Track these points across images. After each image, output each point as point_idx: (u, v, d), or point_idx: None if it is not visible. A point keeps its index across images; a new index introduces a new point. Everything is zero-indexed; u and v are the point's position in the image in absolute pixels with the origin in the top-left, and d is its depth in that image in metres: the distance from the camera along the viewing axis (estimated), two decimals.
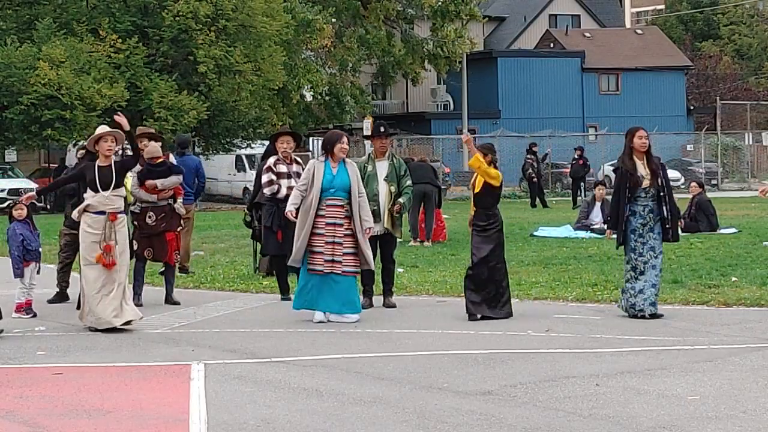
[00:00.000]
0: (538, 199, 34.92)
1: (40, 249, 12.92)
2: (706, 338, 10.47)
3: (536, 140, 41.42)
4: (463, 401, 7.86)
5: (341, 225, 11.85)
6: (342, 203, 11.87)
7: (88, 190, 11.62)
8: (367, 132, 46.00)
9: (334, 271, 11.81)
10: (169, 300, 13.43)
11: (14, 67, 37.07)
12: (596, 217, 22.56)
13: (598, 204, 22.66)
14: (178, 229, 13.54)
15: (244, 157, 44.44)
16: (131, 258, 13.61)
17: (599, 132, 55.14)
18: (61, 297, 13.76)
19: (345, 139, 12.07)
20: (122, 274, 11.63)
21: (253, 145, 43.22)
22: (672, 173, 48.30)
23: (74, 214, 11.93)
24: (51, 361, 9.82)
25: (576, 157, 37.77)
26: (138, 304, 13.52)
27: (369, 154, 13.14)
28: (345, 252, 11.85)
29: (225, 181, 42.72)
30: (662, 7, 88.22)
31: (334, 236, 11.82)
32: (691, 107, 64.25)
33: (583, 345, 10.16)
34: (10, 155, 45.32)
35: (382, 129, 13.14)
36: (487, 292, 11.88)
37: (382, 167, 12.98)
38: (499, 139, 48.56)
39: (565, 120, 56.14)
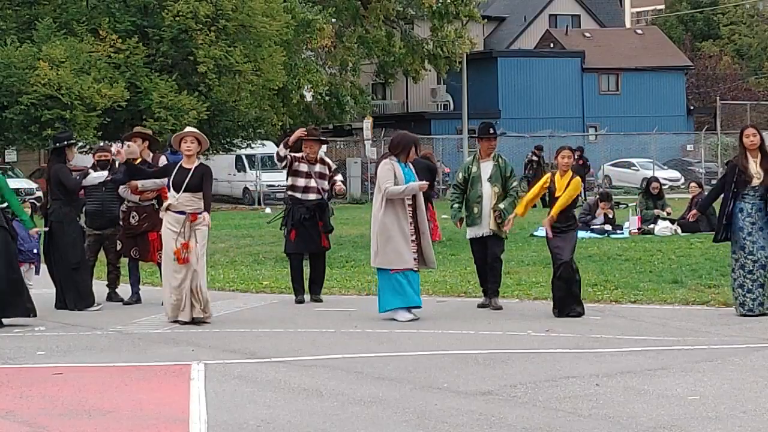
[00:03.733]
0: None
1: (37, 251, 12.90)
2: (706, 338, 10.46)
3: (536, 140, 41.40)
4: (463, 401, 7.86)
5: (411, 223, 12.02)
6: (410, 202, 12.06)
7: (170, 189, 12.00)
8: (367, 132, 46.09)
9: (413, 267, 11.96)
10: None
11: (14, 67, 37.02)
12: (597, 221, 22.50)
13: (600, 209, 22.67)
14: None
15: (244, 157, 44.40)
16: (118, 257, 13.75)
17: (599, 132, 55.13)
18: None
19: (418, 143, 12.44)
20: (199, 275, 11.90)
21: (253, 145, 43.18)
22: (672, 173, 48.43)
23: (161, 213, 12.28)
24: (51, 361, 9.82)
25: (576, 157, 37.72)
26: (136, 301, 13.59)
27: (474, 155, 12.97)
28: (414, 249, 12.01)
29: (225, 182, 42.70)
30: (662, 7, 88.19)
31: (410, 234, 12.01)
32: (691, 107, 64.20)
33: (583, 345, 10.16)
34: (10, 155, 45.29)
35: (491, 131, 12.94)
36: (576, 288, 11.96)
37: (487, 168, 12.78)
38: (499, 139, 48.48)
39: (565, 120, 56.09)
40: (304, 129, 13.75)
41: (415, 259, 11.92)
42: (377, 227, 11.94)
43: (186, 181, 11.84)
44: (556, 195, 12.06)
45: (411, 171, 12.18)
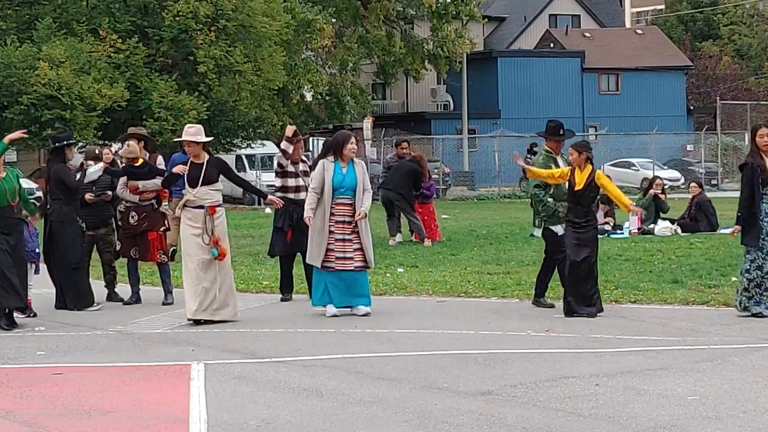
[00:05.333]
0: None
1: (38, 250, 12.92)
2: (706, 338, 10.46)
3: (536, 140, 41.39)
4: (463, 401, 7.86)
5: (350, 223, 12.12)
6: (351, 202, 12.15)
7: (186, 186, 12.03)
8: (367, 132, 46.01)
9: (346, 267, 12.07)
10: (165, 301, 13.38)
11: (14, 67, 37.01)
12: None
13: (600, 210, 22.64)
14: (162, 229, 13.57)
15: (244, 157, 44.44)
16: (116, 258, 13.74)
17: (599, 132, 55.13)
18: None
19: (353, 140, 12.33)
20: (224, 270, 11.90)
21: (253, 145, 43.20)
22: (672, 173, 48.41)
23: (176, 211, 12.26)
24: (51, 361, 9.82)
25: None
26: (136, 301, 13.59)
27: (546, 154, 12.56)
28: (355, 248, 12.11)
29: (225, 181, 42.74)
30: (662, 7, 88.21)
31: (344, 233, 12.08)
32: (691, 107, 64.22)
33: (583, 345, 10.16)
34: (10, 155, 45.29)
35: (561, 132, 12.58)
36: (587, 289, 11.87)
37: (563, 166, 12.48)
38: (499, 139, 48.57)
39: (565, 120, 54.77)
40: (292, 125, 13.96)
41: (338, 258, 12.01)
42: None
43: (201, 175, 11.90)
44: (576, 189, 12.00)
45: (353, 170, 12.18)
